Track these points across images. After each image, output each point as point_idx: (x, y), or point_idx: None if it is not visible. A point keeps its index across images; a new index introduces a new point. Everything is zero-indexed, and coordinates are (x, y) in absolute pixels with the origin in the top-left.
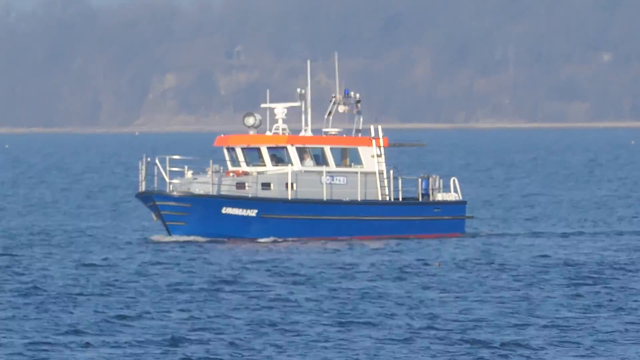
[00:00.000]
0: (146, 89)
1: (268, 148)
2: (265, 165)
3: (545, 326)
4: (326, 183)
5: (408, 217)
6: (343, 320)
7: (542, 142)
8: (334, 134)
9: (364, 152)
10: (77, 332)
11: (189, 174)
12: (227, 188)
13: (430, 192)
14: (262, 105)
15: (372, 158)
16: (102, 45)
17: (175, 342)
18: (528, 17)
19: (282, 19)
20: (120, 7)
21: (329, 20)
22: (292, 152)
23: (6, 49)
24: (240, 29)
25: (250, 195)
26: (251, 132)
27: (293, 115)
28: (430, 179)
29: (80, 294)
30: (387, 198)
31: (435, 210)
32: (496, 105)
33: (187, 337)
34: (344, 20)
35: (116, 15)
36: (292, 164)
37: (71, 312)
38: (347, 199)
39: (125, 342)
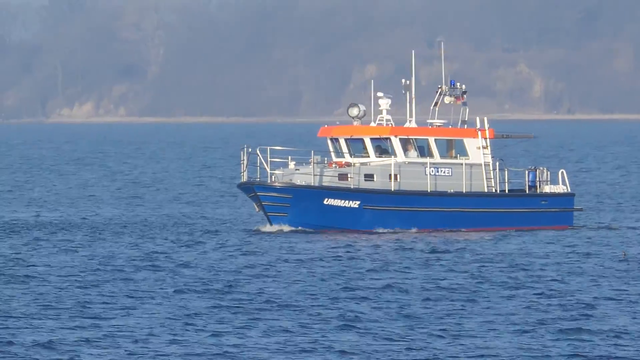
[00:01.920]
0: (347, 79)
1: (372, 139)
2: (368, 157)
3: None
4: (430, 174)
5: (514, 209)
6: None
7: None
8: (439, 125)
9: (470, 143)
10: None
11: (291, 164)
12: (329, 179)
13: (538, 184)
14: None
15: (477, 150)
16: (302, 35)
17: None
18: None
19: (482, 10)
20: None
21: (528, 11)
22: (396, 143)
23: (207, 38)
24: (441, 19)
25: (352, 187)
26: (355, 123)
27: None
28: (538, 171)
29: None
30: (493, 190)
31: (543, 202)
32: None
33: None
34: (543, 12)
35: (317, 5)
36: (395, 155)
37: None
38: (452, 190)
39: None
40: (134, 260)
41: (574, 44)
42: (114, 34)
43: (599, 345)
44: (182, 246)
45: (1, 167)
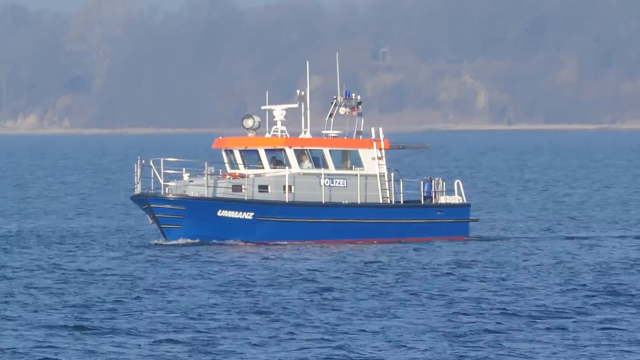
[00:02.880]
0: (292, 91)
1: (266, 150)
2: (263, 168)
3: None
4: (325, 185)
5: (409, 220)
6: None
7: None
8: (334, 136)
9: (365, 154)
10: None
11: (185, 176)
12: (224, 190)
13: (433, 194)
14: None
15: (372, 160)
16: (248, 47)
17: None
18: None
19: (428, 21)
20: (266, 9)
21: (474, 22)
22: (291, 154)
23: (152, 51)
24: (386, 30)
25: (246, 198)
26: (250, 134)
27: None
28: (433, 182)
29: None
30: (388, 201)
31: (438, 213)
32: None
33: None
34: (489, 23)
35: (262, 17)
36: (290, 167)
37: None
38: (347, 201)
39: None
40: (23, 269)
41: (519, 55)
42: (59, 46)
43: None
44: (70, 257)
45: None
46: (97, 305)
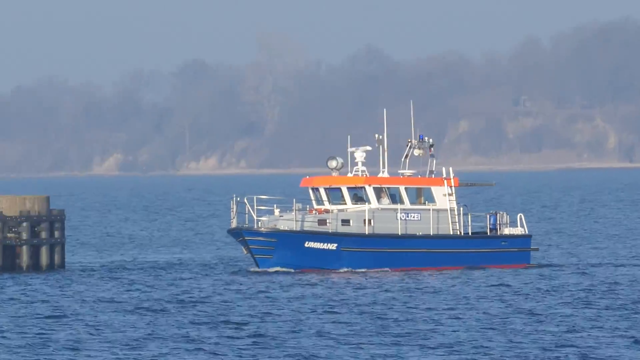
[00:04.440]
0: (442, 134)
1: (348, 188)
2: (346, 204)
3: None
4: (401, 219)
5: (477, 249)
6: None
7: None
8: (409, 175)
9: (437, 191)
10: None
11: (276, 212)
12: (310, 224)
13: (498, 227)
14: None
15: (444, 196)
16: (402, 96)
17: None
18: None
19: (562, 70)
20: (418, 61)
21: (604, 70)
22: (370, 191)
23: (317, 99)
24: (525, 79)
25: (331, 231)
26: (334, 174)
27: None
28: (498, 215)
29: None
30: (458, 232)
31: (503, 243)
32: None
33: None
34: (617, 72)
35: (414, 69)
36: (369, 202)
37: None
38: (421, 233)
39: None
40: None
41: None
42: (236, 96)
43: None
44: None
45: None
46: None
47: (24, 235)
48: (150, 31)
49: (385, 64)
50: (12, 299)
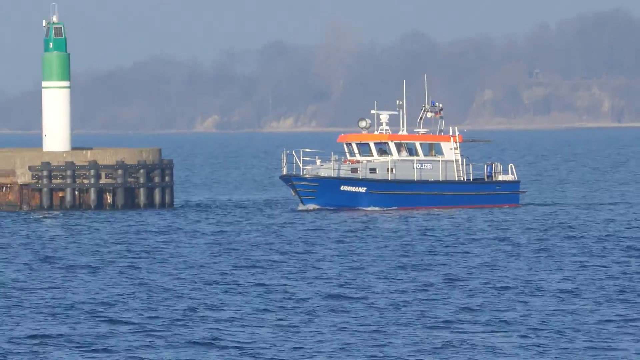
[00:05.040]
0: (471, 100)
1: (375, 143)
2: (373, 156)
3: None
4: (417, 168)
5: (477, 192)
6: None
7: None
8: (423, 133)
9: (445, 145)
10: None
11: (318, 161)
12: (344, 172)
13: (493, 174)
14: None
15: (450, 150)
16: (440, 70)
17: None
18: None
19: (567, 48)
20: (452, 42)
21: (601, 49)
22: (392, 146)
23: (373, 72)
24: (538, 56)
25: (361, 177)
26: (363, 132)
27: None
28: (493, 165)
29: None
30: (462, 179)
31: (497, 187)
32: None
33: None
34: (610, 49)
35: (450, 48)
36: (392, 155)
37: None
38: (433, 179)
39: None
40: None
41: (632, 73)
42: (308, 70)
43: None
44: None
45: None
46: None
47: (141, 180)
48: (242, 18)
49: (427, 44)
50: (135, 230)
